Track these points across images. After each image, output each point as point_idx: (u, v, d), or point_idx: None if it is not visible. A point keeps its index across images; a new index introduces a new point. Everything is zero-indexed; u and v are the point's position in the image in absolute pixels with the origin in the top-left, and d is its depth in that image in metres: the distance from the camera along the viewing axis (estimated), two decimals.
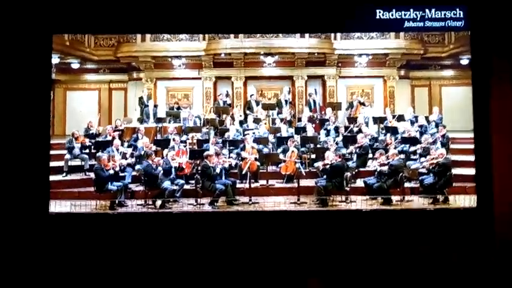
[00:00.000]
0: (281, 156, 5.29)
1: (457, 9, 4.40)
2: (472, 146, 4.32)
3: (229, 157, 5.16)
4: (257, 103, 6.30)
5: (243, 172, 5.04)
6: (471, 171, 4.36)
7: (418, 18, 4.42)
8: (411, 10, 4.43)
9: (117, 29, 4.90)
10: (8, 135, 4.08)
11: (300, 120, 6.10)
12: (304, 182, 4.98)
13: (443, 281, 3.71)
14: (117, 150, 5.13)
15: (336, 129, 5.74)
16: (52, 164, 4.53)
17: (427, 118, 5.76)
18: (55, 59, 5.06)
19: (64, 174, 5.15)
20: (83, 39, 5.93)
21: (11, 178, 4.04)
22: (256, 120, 5.91)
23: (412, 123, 5.77)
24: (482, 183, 4.13)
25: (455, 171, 4.79)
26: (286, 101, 6.28)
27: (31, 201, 4.09)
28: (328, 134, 5.73)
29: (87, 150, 5.32)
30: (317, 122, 6.01)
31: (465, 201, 4.47)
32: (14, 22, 4.08)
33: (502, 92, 4.11)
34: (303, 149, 5.40)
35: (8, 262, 3.84)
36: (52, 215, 4.26)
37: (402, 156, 5.10)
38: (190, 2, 4.25)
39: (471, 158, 4.36)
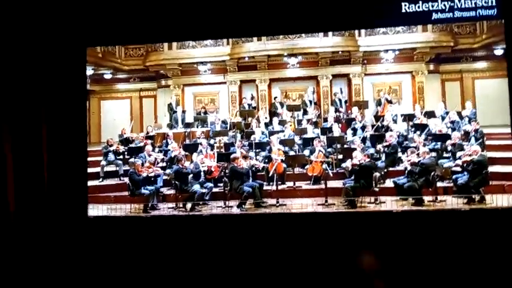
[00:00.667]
0: (307, 158, 5.28)
1: None
2: (510, 142, 4.10)
3: (256, 159, 5.21)
4: (282, 105, 6.30)
5: (270, 174, 5.09)
6: (510, 168, 4.14)
7: (447, 9, 4.22)
8: (439, 1, 4.24)
9: (146, 39, 5.09)
10: (49, 145, 4.38)
11: (326, 120, 6.04)
12: (332, 183, 4.92)
13: (481, 284, 3.56)
14: (149, 155, 5.35)
15: (363, 128, 5.62)
16: (89, 170, 4.80)
17: (459, 113, 5.48)
18: (89, 71, 5.35)
19: (100, 180, 5.43)
20: (114, 51, 6.21)
21: (54, 186, 4.34)
22: (282, 122, 5.91)
23: (444, 119, 5.53)
24: None
25: (492, 168, 4.53)
26: (310, 102, 6.24)
27: (72, 206, 4.37)
28: (355, 133, 5.62)
29: (121, 156, 5.58)
30: (343, 121, 5.93)
31: (503, 200, 4.25)
32: (52, 39, 4.37)
33: None
34: (329, 149, 5.34)
35: (53, 262, 4.13)
36: (91, 219, 4.53)
37: (434, 154, 4.92)
38: (213, 9, 4.34)
39: (510, 154, 4.13)
